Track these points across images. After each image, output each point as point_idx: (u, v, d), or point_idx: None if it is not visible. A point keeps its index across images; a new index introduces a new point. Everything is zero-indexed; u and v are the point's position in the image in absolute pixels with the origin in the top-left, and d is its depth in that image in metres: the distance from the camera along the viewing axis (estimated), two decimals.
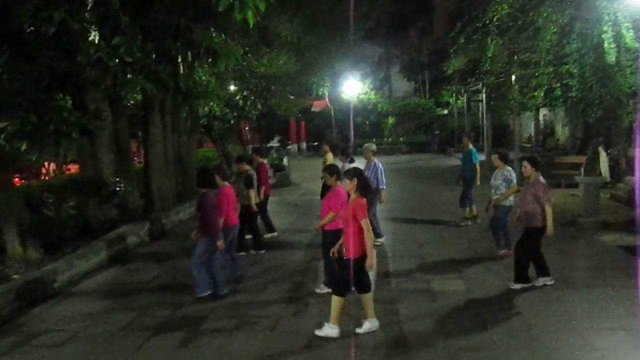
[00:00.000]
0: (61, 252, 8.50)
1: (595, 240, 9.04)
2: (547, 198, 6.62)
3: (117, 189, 10.59)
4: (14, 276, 7.32)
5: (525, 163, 6.92)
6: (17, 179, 14.58)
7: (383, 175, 9.18)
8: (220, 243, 6.74)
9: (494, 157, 8.55)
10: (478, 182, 10.52)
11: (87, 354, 5.43)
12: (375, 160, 9.26)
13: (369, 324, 5.57)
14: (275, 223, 10.52)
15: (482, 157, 22.06)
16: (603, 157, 13.56)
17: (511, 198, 8.15)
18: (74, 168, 17.25)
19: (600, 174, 13.04)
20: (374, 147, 9.61)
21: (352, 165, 8.69)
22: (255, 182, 9.11)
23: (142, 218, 10.92)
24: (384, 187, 9.27)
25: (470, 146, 10.90)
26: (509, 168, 8.27)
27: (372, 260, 5.42)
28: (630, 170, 12.43)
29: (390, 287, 7.03)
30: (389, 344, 5.31)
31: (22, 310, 6.70)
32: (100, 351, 5.48)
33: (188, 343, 5.57)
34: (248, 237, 9.23)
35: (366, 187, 5.67)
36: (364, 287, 5.55)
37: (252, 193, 8.92)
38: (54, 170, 16.08)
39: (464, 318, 5.91)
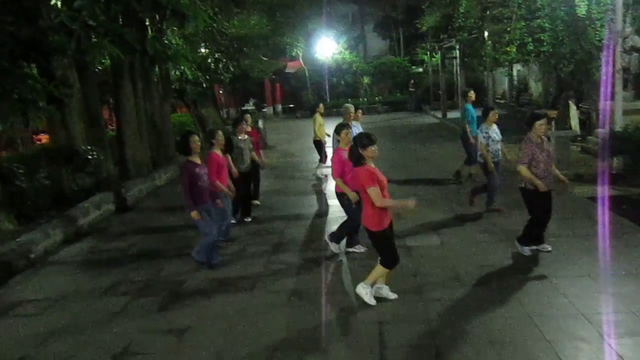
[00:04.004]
0: (36, 222, 8.42)
1: (565, 192, 9.26)
2: (520, 158, 6.12)
3: (90, 157, 10.45)
4: None
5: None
6: None
7: None
8: (194, 214, 6.24)
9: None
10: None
11: (68, 320, 5.46)
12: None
13: (364, 290, 5.32)
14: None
15: (456, 114, 22.37)
16: (573, 111, 13.77)
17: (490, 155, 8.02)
18: (44, 138, 16.94)
19: (570, 127, 13.28)
20: (352, 108, 9.54)
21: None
22: None
23: (117, 185, 10.83)
24: None
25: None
26: (485, 125, 8.14)
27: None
28: (601, 123, 12.64)
29: (365, 242, 7.15)
30: (362, 299, 5.43)
31: None
32: (81, 317, 5.52)
33: (168, 305, 5.64)
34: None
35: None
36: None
37: None
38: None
39: (439, 272, 6.06)
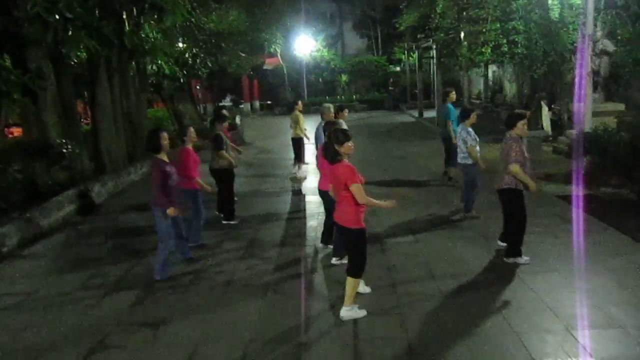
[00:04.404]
0: (9, 216, 8.30)
1: (536, 191, 9.47)
2: (512, 157, 5.83)
3: (65, 150, 10.32)
4: None
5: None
6: None
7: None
8: (170, 210, 5.94)
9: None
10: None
11: (43, 313, 5.43)
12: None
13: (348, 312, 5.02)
14: None
15: (432, 113, 22.65)
16: (545, 111, 14.09)
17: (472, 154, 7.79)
18: (16, 131, 16.65)
19: (542, 127, 13.59)
20: (332, 108, 9.09)
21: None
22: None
23: (93, 180, 10.72)
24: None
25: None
26: (464, 126, 7.90)
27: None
28: (572, 125, 12.98)
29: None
30: (336, 292, 5.50)
31: None
32: (56, 310, 5.49)
33: (144, 299, 5.65)
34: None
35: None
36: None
37: None
38: None
39: (413, 267, 6.19)
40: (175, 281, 6.11)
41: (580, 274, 5.70)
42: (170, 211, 5.93)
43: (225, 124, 8.58)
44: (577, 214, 7.93)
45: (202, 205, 7.26)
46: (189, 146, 7.07)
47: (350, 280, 4.94)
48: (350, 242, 5.02)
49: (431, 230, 7.61)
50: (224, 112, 9.14)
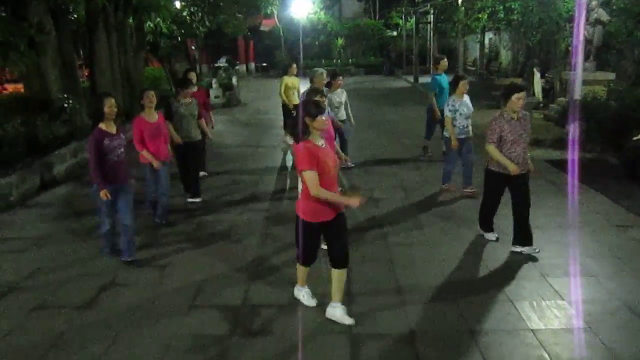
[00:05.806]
0: (12, 168, 8.53)
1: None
2: (489, 136, 5.36)
3: (65, 105, 10.50)
4: None
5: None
6: None
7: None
8: (103, 193, 5.18)
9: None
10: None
11: (54, 256, 5.75)
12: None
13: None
14: (227, 140, 10.76)
15: (428, 79, 22.78)
16: (537, 78, 14.32)
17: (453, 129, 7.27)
18: (10, 88, 16.71)
19: (534, 94, 13.85)
20: (324, 74, 8.50)
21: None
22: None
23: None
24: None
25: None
26: (453, 98, 7.31)
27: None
28: (564, 92, 13.24)
29: None
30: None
31: None
32: (66, 254, 5.82)
33: (149, 245, 5.98)
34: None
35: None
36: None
37: None
38: None
39: (403, 220, 6.56)
40: (178, 229, 6.44)
41: (560, 230, 6.09)
42: (103, 194, 5.19)
43: (189, 91, 7.45)
44: (562, 176, 8.30)
45: (165, 181, 6.66)
46: (145, 113, 6.40)
47: (298, 265, 4.53)
48: (296, 230, 4.25)
49: (421, 188, 7.93)
50: (192, 74, 8.20)
